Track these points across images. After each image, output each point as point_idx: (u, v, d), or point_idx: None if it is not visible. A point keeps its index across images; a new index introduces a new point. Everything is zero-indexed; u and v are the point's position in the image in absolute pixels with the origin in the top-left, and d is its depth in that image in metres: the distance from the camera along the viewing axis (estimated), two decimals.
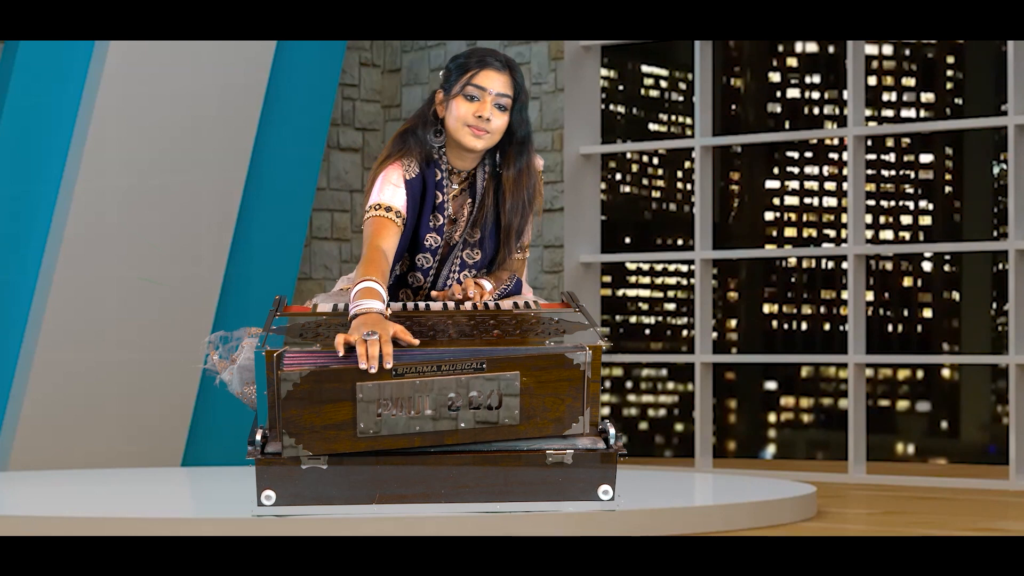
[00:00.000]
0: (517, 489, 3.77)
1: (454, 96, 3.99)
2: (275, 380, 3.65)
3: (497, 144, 4.06)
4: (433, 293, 4.09)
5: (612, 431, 3.79)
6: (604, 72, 7.68)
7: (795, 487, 5.13)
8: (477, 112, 3.97)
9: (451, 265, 4.08)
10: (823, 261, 25.42)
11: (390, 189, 3.97)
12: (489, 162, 4.09)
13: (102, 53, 6.36)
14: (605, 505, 3.81)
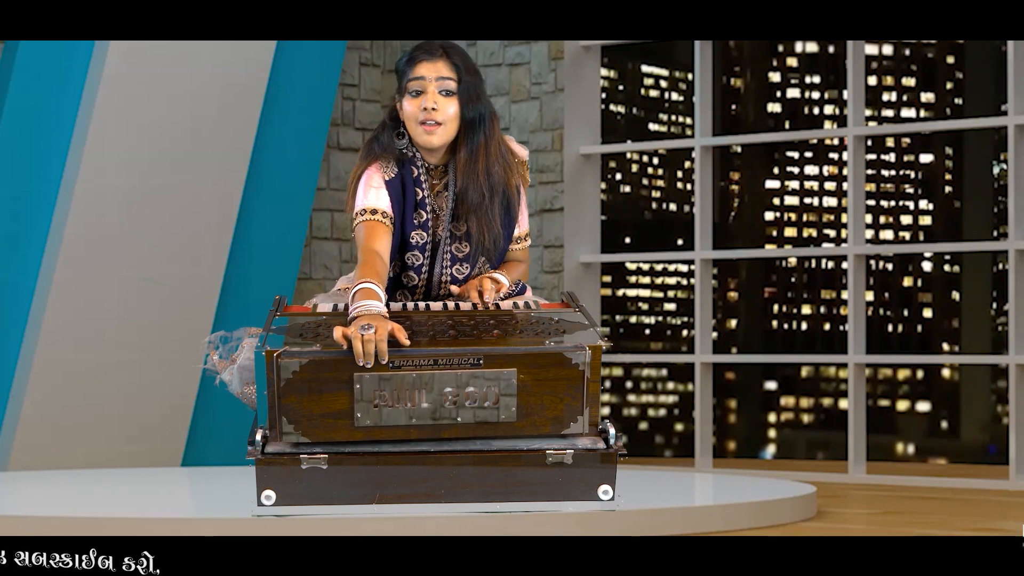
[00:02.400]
0: (517, 489, 3.77)
1: (402, 97, 4.03)
2: (275, 367, 3.66)
3: None
4: (454, 289, 4.09)
5: (612, 431, 3.79)
6: (604, 72, 7.68)
7: (795, 487, 5.13)
8: (423, 104, 3.99)
9: (441, 261, 4.08)
10: (823, 261, 25.40)
11: (373, 192, 4.00)
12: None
13: (102, 53, 6.36)
14: (605, 505, 3.81)
